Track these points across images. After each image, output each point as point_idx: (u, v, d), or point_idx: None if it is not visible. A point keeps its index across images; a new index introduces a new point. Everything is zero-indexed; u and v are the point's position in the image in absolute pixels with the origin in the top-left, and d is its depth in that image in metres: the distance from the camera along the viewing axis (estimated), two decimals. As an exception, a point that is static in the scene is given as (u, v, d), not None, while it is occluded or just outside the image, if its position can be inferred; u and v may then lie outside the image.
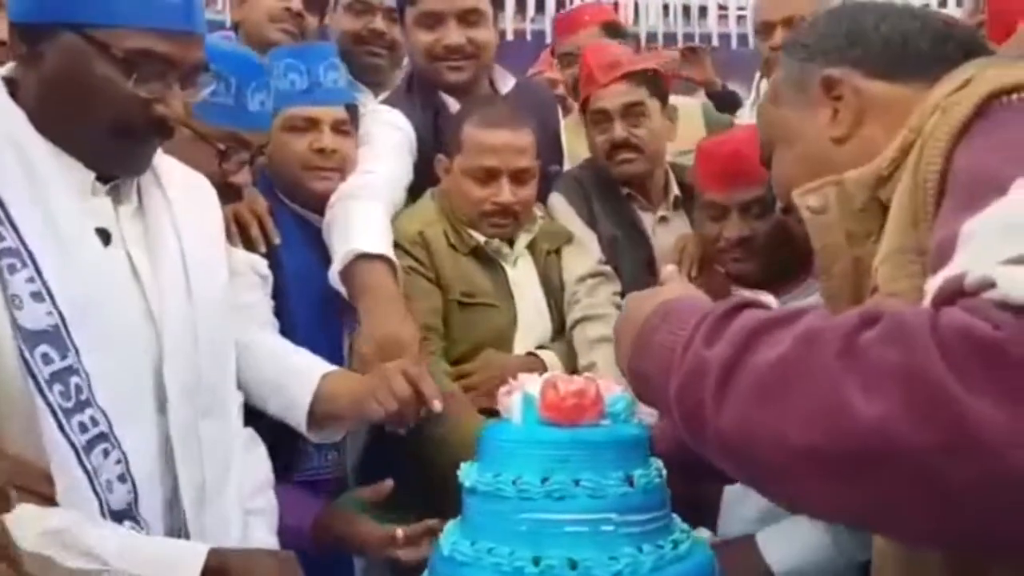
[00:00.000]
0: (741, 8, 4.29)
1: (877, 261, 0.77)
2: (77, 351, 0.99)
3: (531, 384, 0.92)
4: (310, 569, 1.11)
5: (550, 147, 1.95)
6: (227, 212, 1.44)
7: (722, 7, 4.31)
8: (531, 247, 1.77)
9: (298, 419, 1.36)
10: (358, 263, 1.52)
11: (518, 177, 1.69)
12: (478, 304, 1.68)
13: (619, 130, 1.88)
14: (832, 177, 0.86)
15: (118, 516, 1.02)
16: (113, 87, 1.03)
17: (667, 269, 0.99)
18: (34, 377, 0.96)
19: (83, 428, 0.99)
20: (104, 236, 1.09)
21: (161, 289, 1.12)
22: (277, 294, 1.49)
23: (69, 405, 0.98)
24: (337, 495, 1.48)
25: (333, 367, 1.41)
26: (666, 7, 4.23)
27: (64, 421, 0.97)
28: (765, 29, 2.23)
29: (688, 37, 4.30)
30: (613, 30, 2.52)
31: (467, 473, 0.90)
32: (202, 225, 1.23)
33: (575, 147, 2.10)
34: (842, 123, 0.92)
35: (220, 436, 1.17)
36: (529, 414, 0.90)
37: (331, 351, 1.51)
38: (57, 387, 0.97)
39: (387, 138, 1.76)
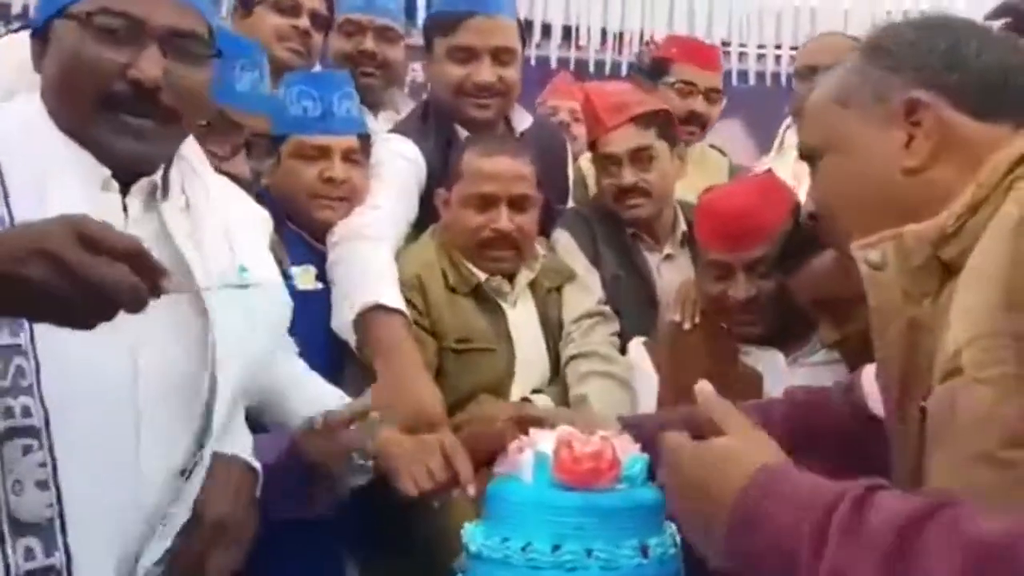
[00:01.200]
0: (742, 45, 4.29)
1: (961, 342, 0.70)
2: (32, 336, 0.89)
3: (544, 442, 0.88)
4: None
5: (557, 187, 1.92)
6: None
7: (725, 43, 4.32)
8: (532, 285, 1.73)
9: None
10: (374, 315, 1.48)
11: (517, 204, 1.65)
12: (474, 350, 1.63)
13: (628, 175, 1.84)
14: (891, 231, 0.79)
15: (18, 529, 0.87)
16: (88, 57, 0.99)
17: (703, 390, 0.87)
18: None
19: (8, 414, 0.88)
20: None
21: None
22: None
23: (5, 384, 0.88)
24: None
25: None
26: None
27: None
28: (803, 73, 2.15)
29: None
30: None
31: (472, 535, 0.85)
32: (249, 232, 1.17)
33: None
34: (917, 154, 0.83)
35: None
36: (541, 474, 0.85)
37: (331, 376, 1.44)
38: None
39: (396, 170, 1.73)
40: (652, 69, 2.50)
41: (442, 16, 1.85)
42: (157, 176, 1.06)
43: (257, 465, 1.08)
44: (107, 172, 1.02)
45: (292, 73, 1.78)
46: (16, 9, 3.73)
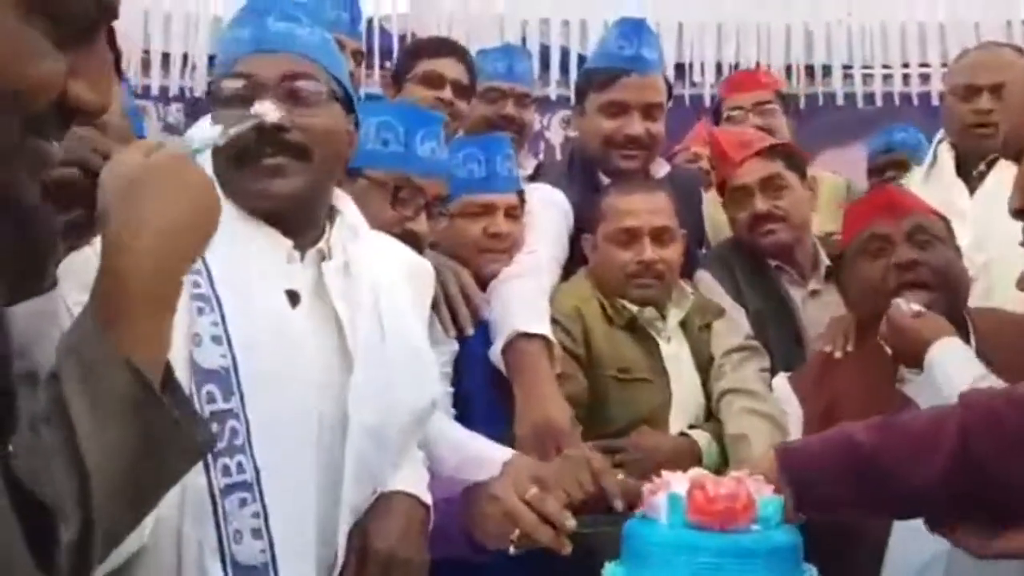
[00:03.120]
0: (867, 66, 4.16)
1: None
2: (242, 399, 1.00)
3: (677, 483, 0.90)
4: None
5: (694, 230, 1.98)
6: (444, 282, 1.52)
7: (847, 66, 4.19)
8: (684, 324, 1.79)
9: None
10: (517, 342, 1.56)
11: (658, 236, 1.74)
12: (634, 380, 1.69)
13: (760, 203, 1.88)
14: None
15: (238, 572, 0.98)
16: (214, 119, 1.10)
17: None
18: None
19: (226, 472, 0.99)
20: (293, 298, 1.12)
21: (356, 342, 1.11)
22: (455, 374, 1.55)
23: (223, 445, 0.98)
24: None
25: (511, 452, 1.42)
26: (788, 68, 4.16)
27: (210, 461, 0.96)
28: (969, 92, 2.13)
29: (811, 98, 4.20)
30: (784, 99, 2.58)
31: (613, 574, 0.89)
32: (400, 291, 1.23)
33: (717, 218, 2.11)
34: None
35: None
36: (676, 515, 0.88)
37: (509, 434, 1.52)
38: (214, 426, 0.97)
39: (549, 217, 1.84)
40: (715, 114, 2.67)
41: (598, 73, 1.99)
42: (323, 243, 1.16)
43: (428, 500, 1.14)
44: (289, 243, 1.12)
45: (458, 138, 1.92)
46: (173, 91, 3.96)
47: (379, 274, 1.19)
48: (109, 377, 0.66)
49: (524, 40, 3.87)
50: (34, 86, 0.56)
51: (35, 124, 0.57)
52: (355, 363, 1.10)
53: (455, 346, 1.58)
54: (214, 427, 0.97)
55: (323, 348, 1.10)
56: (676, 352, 1.76)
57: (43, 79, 0.56)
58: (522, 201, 1.80)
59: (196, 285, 1.03)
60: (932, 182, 2.12)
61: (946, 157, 2.18)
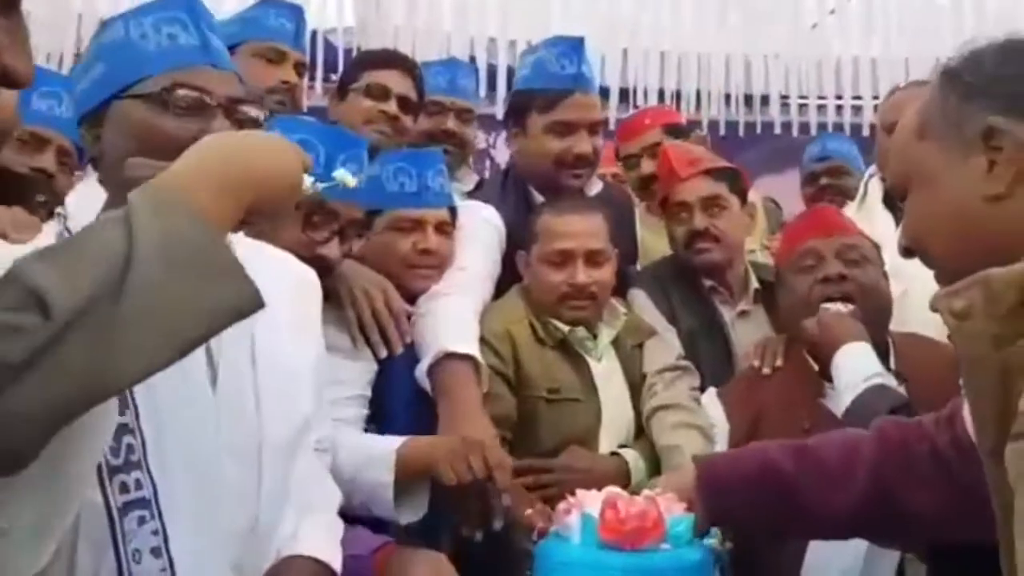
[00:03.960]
0: (803, 97, 4.30)
1: None
2: (136, 414, 0.97)
3: (591, 502, 0.91)
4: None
5: (627, 247, 2.00)
6: (359, 302, 1.50)
7: (784, 96, 4.32)
8: (615, 343, 1.79)
9: (385, 501, 1.38)
10: (444, 362, 1.55)
11: (592, 259, 1.74)
12: (565, 400, 1.69)
13: (699, 220, 1.91)
14: (974, 277, 0.76)
15: None
16: (166, 128, 1.06)
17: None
18: None
19: (124, 489, 0.96)
20: None
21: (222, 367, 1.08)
22: (376, 391, 1.53)
23: (119, 462, 0.95)
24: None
25: (400, 439, 1.43)
26: (727, 96, 4.26)
27: (106, 478, 0.94)
28: (888, 128, 2.14)
29: (750, 126, 4.31)
30: (675, 131, 2.52)
31: (522, 593, 0.89)
32: (279, 307, 1.23)
33: (648, 243, 2.13)
34: (998, 180, 0.82)
35: None
36: (588, 534, 0.89)
37: None
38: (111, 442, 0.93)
39: (480, 234, 1.83)
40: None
41: (540, 93, 1.97)
42: None
43: (336, 563, 1.12)
44: None
45: (388, 151, 1.88)
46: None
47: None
48: (177, 215, 0.69)
49: (472, 58, 3.88)
50: None
51: None
52: (218, 389, 1.07)
53: (374, 364, 1.56)
54: (111, 443, 0.94)
55: (195, 370, 1.06)
56: (607, 371, 1.76)
57: None
58: (454, 217, 1.79)
59: None
60: (863, 214, 2.19)
61: (875, 188, 2.25)
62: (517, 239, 1.87)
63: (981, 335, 0.75)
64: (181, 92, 1.07)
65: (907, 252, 0.94)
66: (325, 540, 1.15)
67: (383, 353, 1.57)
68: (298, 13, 2.24)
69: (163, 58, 1.08)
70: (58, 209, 1.14)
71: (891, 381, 1.47)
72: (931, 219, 0.89)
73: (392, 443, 1.44)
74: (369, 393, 1.56)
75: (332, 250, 1.46)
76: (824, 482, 1.02)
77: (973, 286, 0.76)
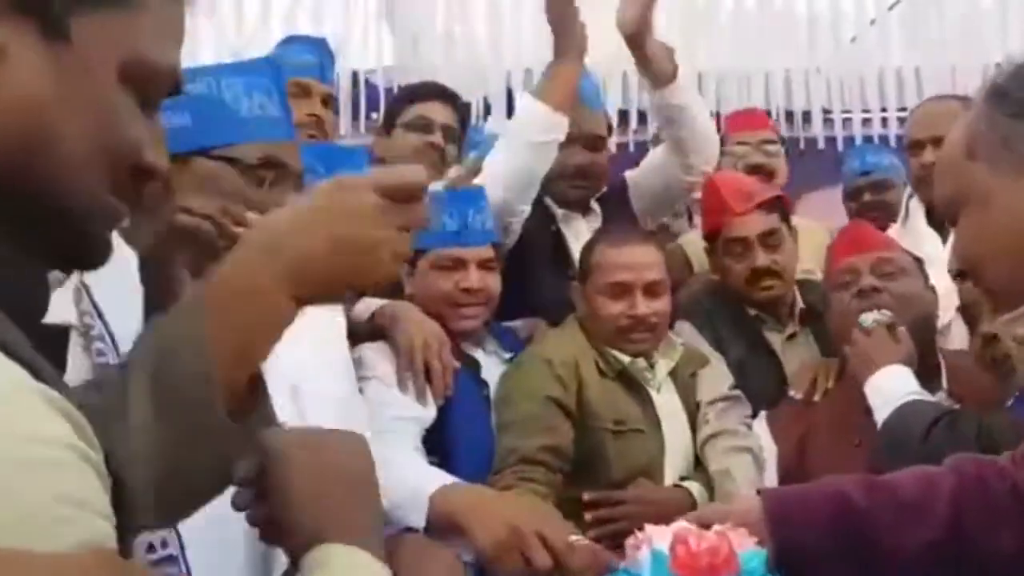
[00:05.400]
0: (846, 111, 4.23)
1: None
2: None
3: (660, 537, 0.90)
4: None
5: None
6: (415, 354, 1.54)
7: (827, 111, 4.27)
8: (673, 373, 1.79)
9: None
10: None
11: (650, 290, 1.73)
12: (630, 431, 1.69)
13: (761, 258, 1.90)
14: None
15: None
16: (246, 198, 1.14)
17: None
18: None
19: (150, 549, 0.95)
20: None
21: None
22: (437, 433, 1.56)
23: None
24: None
25: (443, 480, 1.41)
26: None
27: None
28: (912, 147, 2.15)
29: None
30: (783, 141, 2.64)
31: (596, 633, 0.88)
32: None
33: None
34: None
35: None
36: (659, 570, 0.87)
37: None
38: None
39: None
40: None
41: None
42: None
43: None
44: None
45: (432, 191, 1.92)
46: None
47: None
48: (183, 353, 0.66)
49: (509, 91, 3.93)
50: (126, 147, 0.60)
51: (115, 185, 0.60)
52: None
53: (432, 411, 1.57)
54: None
55: None
56: (667, 401, 1.76)
57: (134, 142, 0.60)
58: (499, 253, 1.80)
59: (100, 338, 1.00)
60: (907, 235, 2.15)
61: (916, 208, 2.21)
62: (534, 247, 1.93)
63: None
64: (271, 166, 1.14)
65: (960, 275, 0.92)
66: None
67: (425, 404, 1.58)
68: (321, 46, 2.28)
69: (256, 128, 1.15)
70: None
71: (926, 395, 1.45)
72: (984, 241, 0.87)
73: (430, 484, 1.41)
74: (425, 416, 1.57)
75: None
76: (900, 516, 0.99)
77: None
